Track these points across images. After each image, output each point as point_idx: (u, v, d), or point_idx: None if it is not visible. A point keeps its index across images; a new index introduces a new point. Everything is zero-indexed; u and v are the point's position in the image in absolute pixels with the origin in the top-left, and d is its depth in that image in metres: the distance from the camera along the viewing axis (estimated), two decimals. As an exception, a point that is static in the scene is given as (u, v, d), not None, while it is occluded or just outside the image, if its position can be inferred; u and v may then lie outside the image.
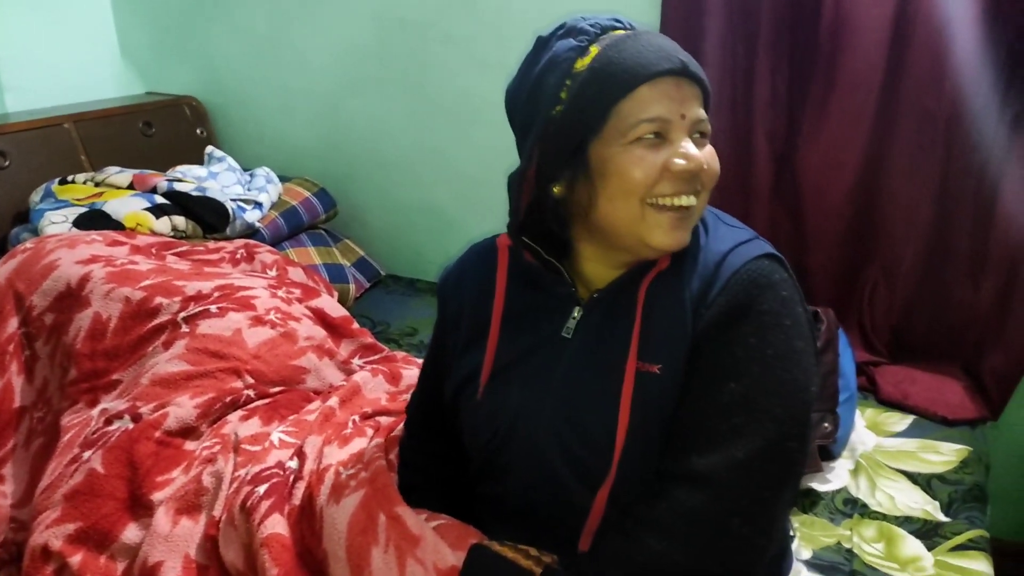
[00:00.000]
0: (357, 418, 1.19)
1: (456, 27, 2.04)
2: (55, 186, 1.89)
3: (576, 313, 0.86)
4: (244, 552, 0.97)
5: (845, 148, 1.66)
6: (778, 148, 1.73)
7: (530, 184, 0.84)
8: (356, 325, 1.57)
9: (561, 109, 0.79)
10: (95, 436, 1.15)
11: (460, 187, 2.19)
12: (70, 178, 1.92)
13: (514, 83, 0.87)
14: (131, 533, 1.04)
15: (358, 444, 1.06)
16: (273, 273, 1.71)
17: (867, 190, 1.67)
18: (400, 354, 1.58)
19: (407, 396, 1.34)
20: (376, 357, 1.52)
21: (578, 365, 0.85)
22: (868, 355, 1.73)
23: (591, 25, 0.82)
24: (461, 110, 2.11)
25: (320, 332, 1.45)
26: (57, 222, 1.74)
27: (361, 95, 2.26)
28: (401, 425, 1.15)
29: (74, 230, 1.73)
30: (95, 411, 1.24)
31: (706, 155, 0.79)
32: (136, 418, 1.16)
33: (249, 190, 2.10)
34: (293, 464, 1.07)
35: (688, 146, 0.78)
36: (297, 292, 1.52)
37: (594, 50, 0.80)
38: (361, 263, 2.24)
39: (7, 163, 1.94)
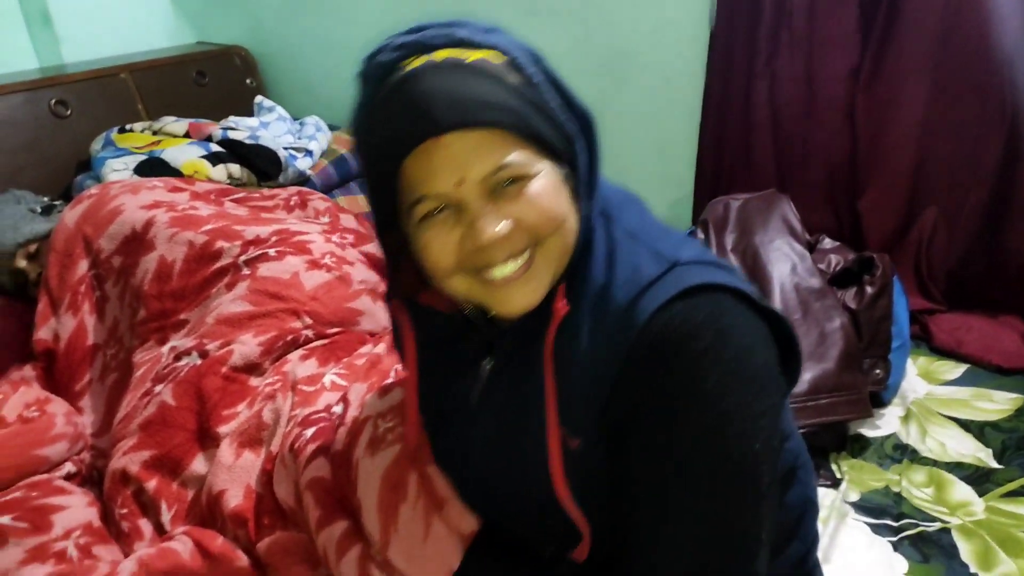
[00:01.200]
0: (400, 366, 1.23)
1: (504, -29, 2.01)
2: (115, 135, 1.94)
3: (485, 364, 0.77)
4: (294, 490, 1.01)
5: (907, 89, 1.61)
6: (839, 89, 1.68)
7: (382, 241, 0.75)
8: (407, 270, 1.60)
9: (362, 172, 0.71)
10: (166, 371, 1.21)
11: (507, 134, 2.18)
12: (128, 127, 1.97)
13: None
14: (199, 463, 1.10)
15: (397, 395, 1.09)
16: (326, 220, 1.74)
17: (929, 133, 1.62)
18: (450, 299, 1.61)
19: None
20: (427, 301, 1.56)
21: (499, 429, 0.76)
22: (924, 302, 1.70)
23: (377, 67, 0.66)
24: (508, 54, 2.09)
25: (373, 276, 1.48)
26: (118, 169, 1.80)
27: (407, 42, 2.26)
28: None
29: (135, 177, 1.78)
30: (165, 348, 1.30)
31: (514, 211, 0.65)
32: (203, 354, 1.21)
33: (299, 138, 2.13)
34: (338, 409, 1.09)
35: (476, 220, 0.64)
36: (350, 237, 1.55)
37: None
38: (409, 211, 2.27)
39: (69, 112, 2.00)
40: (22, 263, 1.57)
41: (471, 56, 0.65)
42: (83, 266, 1.47)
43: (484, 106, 0.63)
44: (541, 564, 0.79)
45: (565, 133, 0.68)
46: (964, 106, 1.59)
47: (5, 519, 1.02)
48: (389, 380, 1.10)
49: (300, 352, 1.25)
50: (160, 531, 1.06)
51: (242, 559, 0.95)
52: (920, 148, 1.65)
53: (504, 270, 0.66)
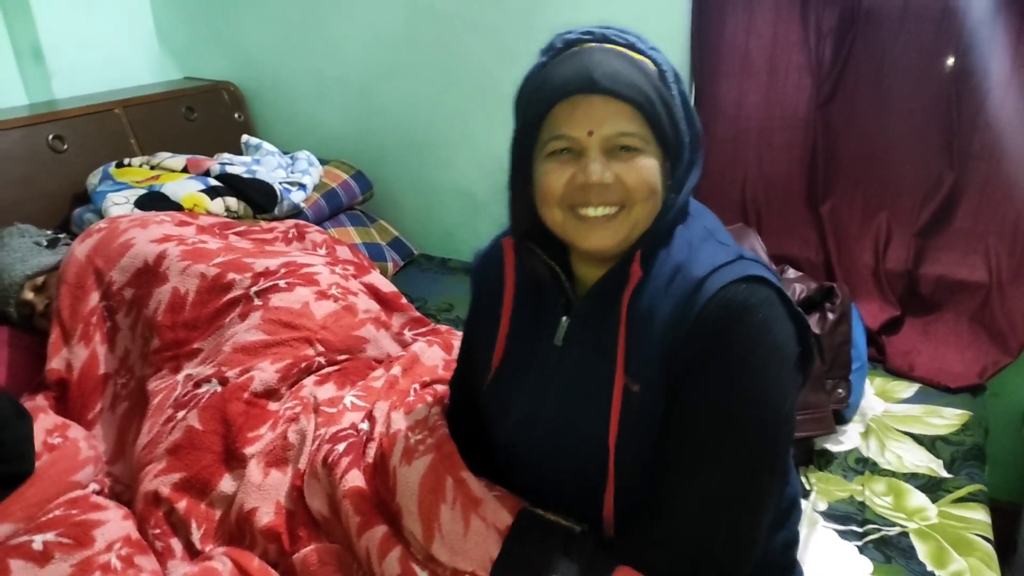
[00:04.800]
0: (417, 386, 1.32)
1: (484, 16, 2.13)
2: (112, 169, 2.00)
3: (564, 322, 0.91)
4: (328, 501, 1.09)
5: (858, 111, 1.78)
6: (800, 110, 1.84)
7: (512, 191, 0.91)
8: (404, 300, 1.69)
9: (518, 122, 0.88)
10: (186, 398, 1.28)
11: (490, 170, 2.29)
12: (126, 161, 2.04)
13: None
14: (227, 483, 1.17)
15: (421, 411, 1.19)
16: (323, 251, 1.83)
17: (880, 149, 1.77)
18: (443, 327, 1.70)
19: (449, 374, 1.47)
20: (424, 329, 1.65)
21: (570, 376, 0.90)
22: (883, 306, 1.84)
23: (563, 40, 0.85)
24: (489, 97, 2.21)
25: (375, 306, 1.57)
26: (119, 203, 1.86)
27: (393, 80, 2.36)
28: None
29: (135, 210, 1.85)
30: (180, 376, 1.37)
31: (620, 170, 0.81)
32: (223, 381, 1.28)
33: (292, 173, 2.21)
34: (365, 426, 1.19)
35: (590, 163, 0.80)
36: (351, 269, 1.64)
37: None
38: (395, 243, 2.36)
39: (65, 147, 2.06)
40: (29, 295, 1.62)
41: (635, 56, 0.84)
42: (94, 298, 1.53)
43: (631, 87, 0.80)
44: (570, 539, 0.89)
45: (679, 138, 0.84)
46: (910, 127, 1.75)
47: (49, 536, 1.07)
48: (410, 398, 1.19)
49: (313, 378, 1.34)
50: (190, 549, 1.12)
51: (274, 576, 1.03)
52: (872, 162, 1.82)
53: (595, 212, 0.82)
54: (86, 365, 1.48)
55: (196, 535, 1.13)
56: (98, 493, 1.27)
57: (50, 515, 1.13)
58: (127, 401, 1.45)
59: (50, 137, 2.03)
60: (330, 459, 1.10)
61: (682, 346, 0.81)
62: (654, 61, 0.84)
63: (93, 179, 2.00)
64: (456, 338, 1.59)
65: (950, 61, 1.68)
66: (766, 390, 0.80)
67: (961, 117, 1.68)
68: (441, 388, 1.34)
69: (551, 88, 0.81)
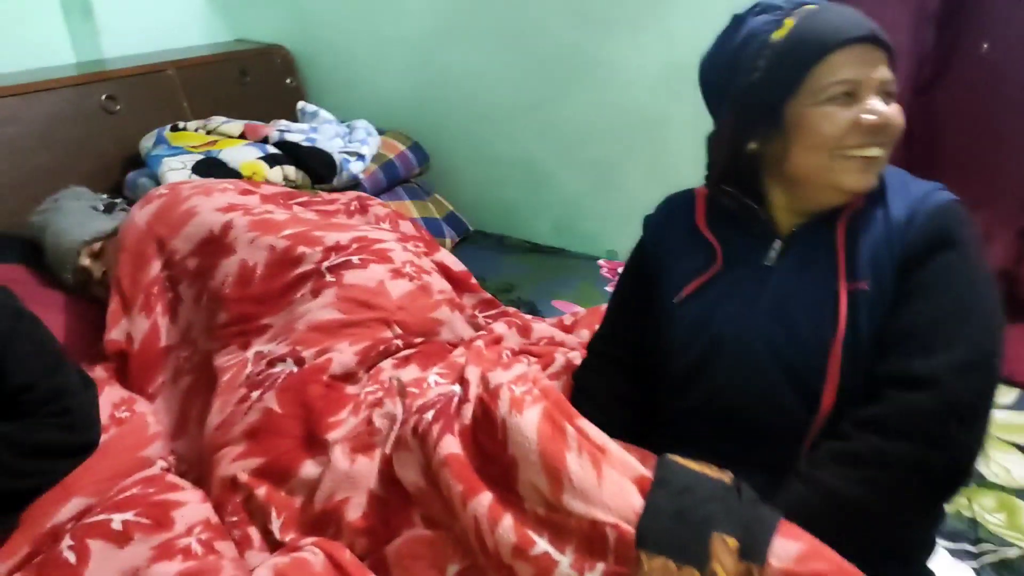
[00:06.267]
0: (509, 352, 1.25)
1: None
2: (167, 132, 1.92)
3: (776, 245, 0.97)
4: (423, 472, 1.01)
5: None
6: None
7: (723, 143, 0.98)
8: (474, 280, 1.61)
9: (758, 76, 0.91)
10: (260, 377, 1.21)
11: (558, 143, 2.19)
12: (181, 125, 1.96)
13: (709, 57, 1.01)
14: (308, 469, 1.10)
15: (519, 368, 1.12)
16: (386, 226, 1.74)
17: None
18: (511, 309, 1.62)
19: (539, 348, 1.39)
20: (495, 312, 1.57)
21: (788, 286, 0.95)
22: None
23: (785, 1, 0.93)
24: (563, 66, 2.09)
25: (448, 286, 1.48)
26: (176, 168, 1.79)
27: (457, 46, 2.25)
28: (556, 365, 1.24)
29: (193, 176, 1.77)
30: (250, 353, 1.29)
31: (892, 111, 0.89)
32: (299, 361, 1.21)
33: (350, 142, 2.12)
34: (456, 388, 1.10)
35: (876, 103, 0.88)
36: (421, 246, 1.56)
37: (789, 23, 0.91)
38: (450, 217, 2.27)
39: (118, 108, 1.98)
40: (86, 261, 1.55)
41: None
42: (155, 267, 1.46)
43: (886, 36, 0.89)
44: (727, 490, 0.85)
45: None
46: (1020, 118, 1.62)
47: (128, 515, 1.01)
48: (504, 360, 1.12)
49: (391, 361, 1.26)
50: (268, 538, 1.05)
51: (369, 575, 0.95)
52: (975, 155, 1.69)
53: (874, 151, 0.88)
54: (147, 337, 1.41)
55: (276, 523, 1.06)
56: (166, 471, 1.21)
57: (126, 493, 1.07)
58: (190, 375, 1.38)
59: (103, 97, 1.95)
60: (421, 428, 1.02)
61: (914, 240, 0.89)
62: None
63: (147, 142, 1.93)
64: (533, 321, 1.50)
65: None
66: (991, 285, 0.88)
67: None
68: (534, 359, 1.27)
69: (824, 37, 0.87)
